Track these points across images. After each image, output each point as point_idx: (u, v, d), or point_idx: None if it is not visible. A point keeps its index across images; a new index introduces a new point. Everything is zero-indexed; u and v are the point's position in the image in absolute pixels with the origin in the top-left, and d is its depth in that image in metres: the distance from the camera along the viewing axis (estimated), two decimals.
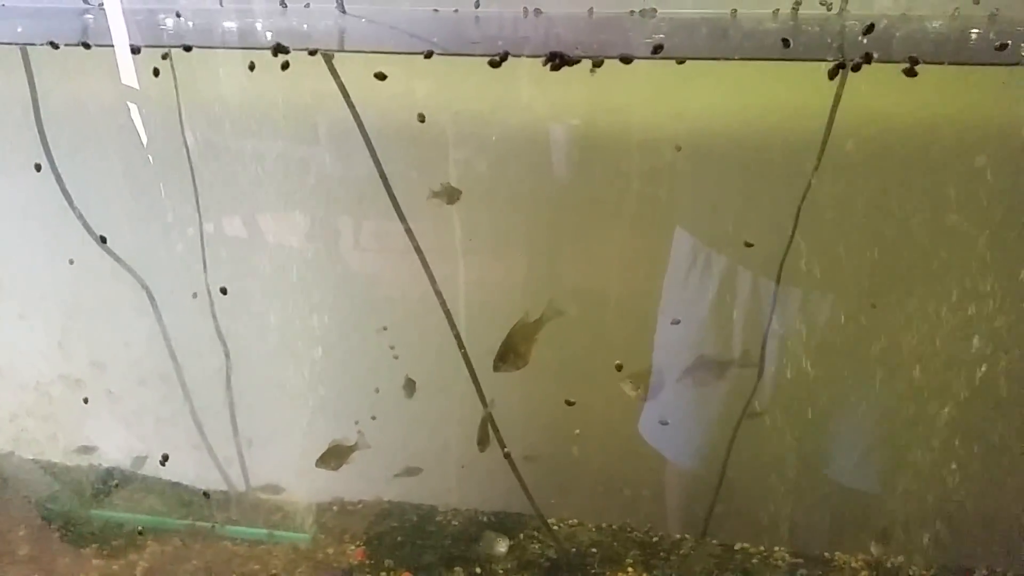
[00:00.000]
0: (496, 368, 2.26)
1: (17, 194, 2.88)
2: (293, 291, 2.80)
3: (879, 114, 2.25)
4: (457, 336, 2.51)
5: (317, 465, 2.61)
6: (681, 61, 1.88)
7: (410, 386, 2.69)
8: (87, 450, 3.02)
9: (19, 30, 2.23)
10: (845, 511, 2.76)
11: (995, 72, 1.86)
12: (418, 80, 2.26)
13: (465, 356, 2.51)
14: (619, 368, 2.32)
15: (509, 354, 2.24)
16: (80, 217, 2.68)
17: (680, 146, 2.35)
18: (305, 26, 2.09)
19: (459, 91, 2.42)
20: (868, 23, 1.79)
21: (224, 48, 2.15)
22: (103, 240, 2.62)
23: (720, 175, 2.47)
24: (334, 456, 2.63)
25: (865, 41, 1.82)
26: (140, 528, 2.87)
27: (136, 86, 2.36)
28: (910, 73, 1.79)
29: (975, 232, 2.26)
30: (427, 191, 2.35)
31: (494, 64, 1.88)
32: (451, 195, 2.35)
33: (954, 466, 2.52)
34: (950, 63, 1.80)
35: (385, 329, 2.78)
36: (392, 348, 2.77)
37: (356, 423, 2.79)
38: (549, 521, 2.89)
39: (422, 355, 2.78)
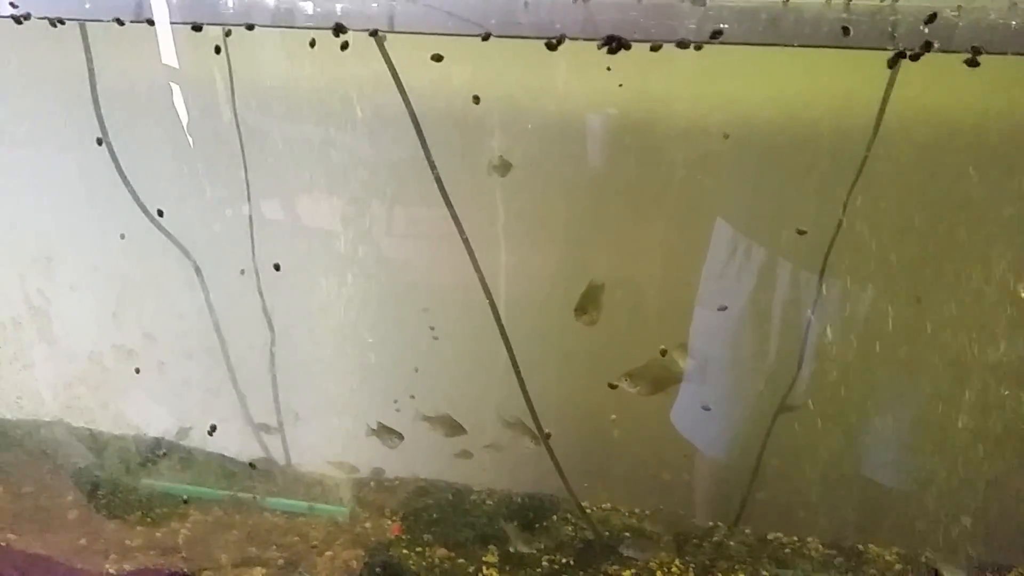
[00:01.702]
0: (577, 317, 2.33)
1: (71, 169, 2.94)
2: (337, 271, 2.84)
3: (932, 105, 2.23)
4: (498, 318, 2.53)
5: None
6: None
7: (389, 437, 2.72)
8: (267, 428, 3.06)
9: (87, 7, 2.28)
10: (881, 505, 2.75)
11: None
12: (458, 66, 2.27)
13: (505, 339, 2.54)
14: (663, 354, 2.33)
15: (588, 306, 2.31)
16: (132, 192, 2.73)
17: (728, 134, 2.34)
18: (360, 7, 2.10)
19: (503, 77, 2.43)
20: (931, 12, 1.78)
21: (281, 27, 2.18)
22: (160, 214, 2.67)
23: (766, 165, 2.46)
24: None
25: (927, 30, 1.80)
26: (185, 497, 2.95)
27: (176, 65, 2.41)
28: (972, 64, 1.78)
29: None
30: (481, 168, 2.38)
31: (551, 47, 1.89)
32: (504, 168, 2.39)
33: (993, 463, 2.50)
34: (1014, 53, 1.78)
35: (426, 311, 2.82)
36: (432, 329, 2.80)
37: (395, 402, 2.84)
38: (583, 504, 2.91)
39: (461, 336, 2.81)
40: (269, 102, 2.66)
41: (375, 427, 2.74)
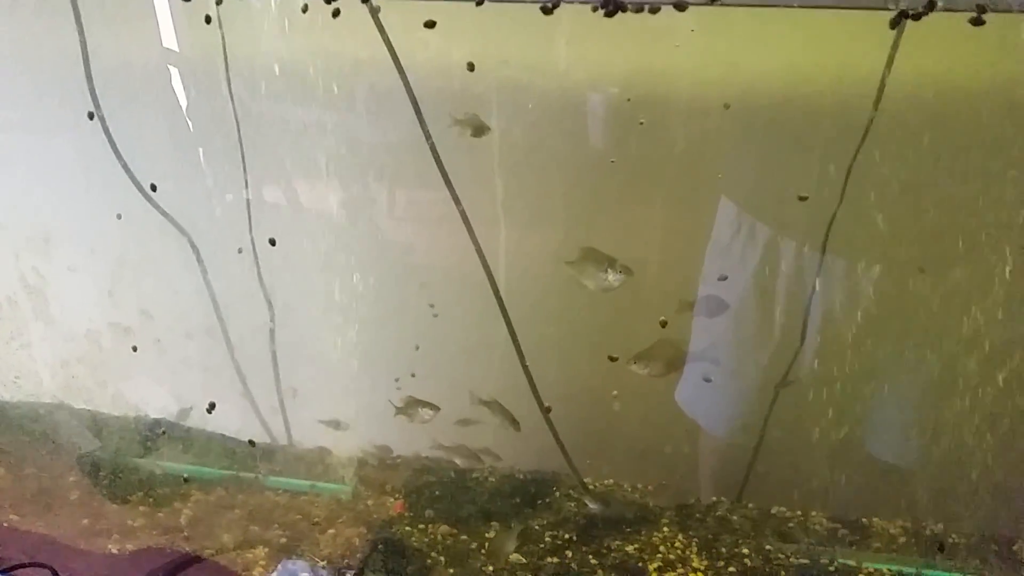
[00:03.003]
0: (624, 273, 2.28)
1: (67, 149, 2.92)
2: (336, 246, 2.82)
3: (937, 68, 2.19)
4: (498, 295, 2.52)
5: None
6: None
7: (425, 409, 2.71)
8: (336, 424, 3.01)
9: None
10: (886, 478, 2.73)
11: None
12: (455, 42, 2.24)
13: (505, 315, 2.52)
14: (664, 325, 2.31)
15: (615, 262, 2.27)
16: (128, 171, 2.71)
17: (728, 104, 2.31)
18: None
19: (500, 51, 2.40)
20: None
21: None
22: (153, 188, 2.65)
23: (767, 136, 2.43)
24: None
25: None
26: (186, 476, 2.94)
27: (170, 40, 2.38)
28: (977, 22, 1.74)
29: None
30: (480, 144, 2.34)
31: (546, 11, 1.86)
32: (477, 128, 2.32)
33: (999, 435, 2.48)
34: (1019, 11, 1.75)
35: (424, 286, 2.80)
36: (432, 306, 2.78)
37: (396, 380, 2.83)
38: (585, 480, 2.90)
39: (462, 313, 2.79)
40: (264, 77, 2.63)
41: (400, 404, 2.71)
